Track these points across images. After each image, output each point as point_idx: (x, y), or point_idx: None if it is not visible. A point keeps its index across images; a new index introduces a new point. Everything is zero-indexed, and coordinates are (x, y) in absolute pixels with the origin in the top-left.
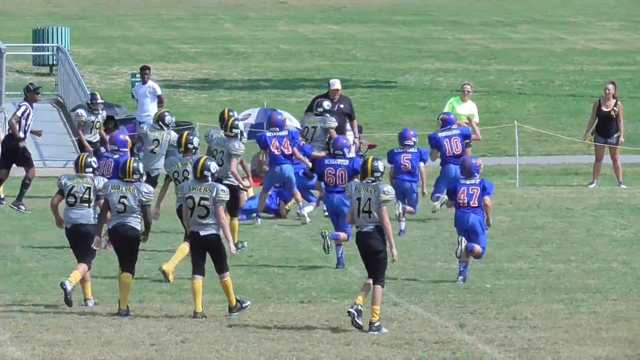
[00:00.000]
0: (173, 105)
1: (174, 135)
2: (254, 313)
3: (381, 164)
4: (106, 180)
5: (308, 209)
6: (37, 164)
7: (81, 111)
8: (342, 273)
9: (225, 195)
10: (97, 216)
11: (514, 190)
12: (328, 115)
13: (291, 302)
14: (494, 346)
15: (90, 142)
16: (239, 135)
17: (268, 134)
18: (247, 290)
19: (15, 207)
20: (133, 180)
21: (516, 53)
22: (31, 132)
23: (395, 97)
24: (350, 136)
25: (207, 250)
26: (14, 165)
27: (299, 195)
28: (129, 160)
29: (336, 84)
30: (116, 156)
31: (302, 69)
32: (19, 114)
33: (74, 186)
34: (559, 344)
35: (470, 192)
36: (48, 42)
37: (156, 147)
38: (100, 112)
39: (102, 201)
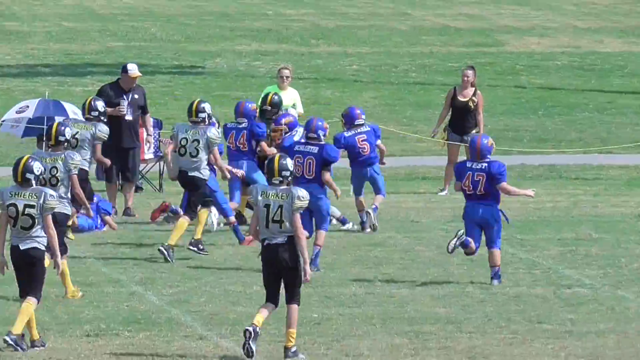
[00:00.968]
0: None
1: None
2: (29, 348)
3: (290, 162)
4: None
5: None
6: None
7: None
8: (138, 300)
9: (54, 202)
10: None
11: (347, 199)
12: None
13: (75, 336)
14: None
15: None
16: (207, 120)
17: (229, 124)
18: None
19: None
20: None
21: (351, 32)
22: None
23: (202, 86)
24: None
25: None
26: None
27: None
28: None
29: (135, 70)
30: None
31: (89, 51)
32: None
33: None
34: None
35: (476, 178)
36: None
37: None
38: None
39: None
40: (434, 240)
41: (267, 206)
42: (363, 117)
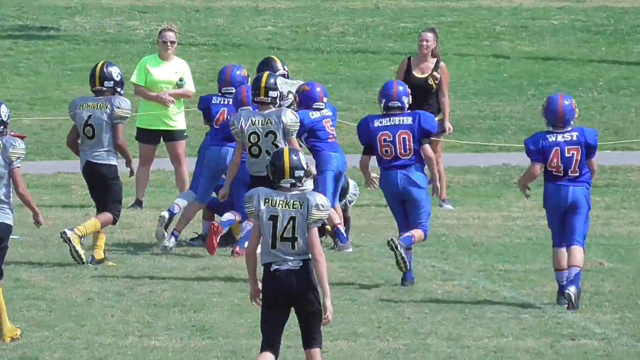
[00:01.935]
0: None
1: None
2: None
3: (303, 157)
4: None
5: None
6: None
7: None
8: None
9: None
10: None
11: None
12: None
13: None
14: None
15: None
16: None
17: (214, 100)
18: None
19: None
20: None
21: None
22: None
23: (56, 55)
24: None
25: None
26: None
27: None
28: None
29: None
30: None
31: None
32: None
33: None
34: None
35: (568, 154)
36: None
37: None
38: None
39: None
40: (380, 271)
41: (274, 218)
42: (325, 99)
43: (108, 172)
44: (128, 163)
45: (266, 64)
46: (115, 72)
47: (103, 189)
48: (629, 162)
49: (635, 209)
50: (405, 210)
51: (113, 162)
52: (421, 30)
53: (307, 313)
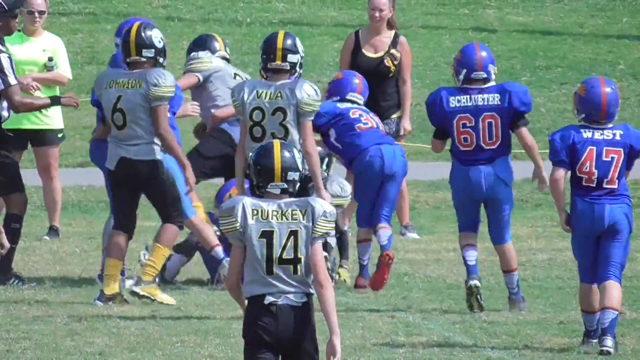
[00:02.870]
0: None
1: None
2: None
3: (297, 154)
4: None
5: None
6: None
7: None
8: None
9: None
10: None
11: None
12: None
13: None
14: None
15: None
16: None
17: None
18: None
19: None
20: None
21: None
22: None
23: None
24: None
25: None
26: None
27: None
28: None
29: None
30: None
31: None
32: None
33: None
34: None
35: (606, 157)
36: None
37: None
38: None
39: None
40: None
41: (268, 235)
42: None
43: (152, 170)
44: (181, 166)
45: (201, 45)
46: (156, 36)
47: (153, 192)
48: None
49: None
50: (478, 211)
51: (158, 156)
52: None
53: None
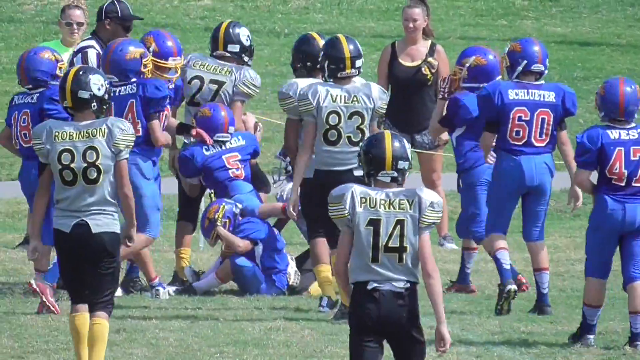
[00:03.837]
0: None
1: None
2: None
3: (407, 143)
4: None
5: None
6: None
7: None
8: None
9: None
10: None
11: None
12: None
13: None
14: None
15: None
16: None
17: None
18: None
19: None
20: None
21: None
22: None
23: None
24: None
25: None
26: None
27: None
28: None
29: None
30: None
31: None
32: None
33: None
34: None
35: (634, 157)
36: None
37: None
38: None
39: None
40: None
41: (375, 223)
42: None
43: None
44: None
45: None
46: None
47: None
48: None
49: None
50: (514, 208)
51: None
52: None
53: (406, 353)
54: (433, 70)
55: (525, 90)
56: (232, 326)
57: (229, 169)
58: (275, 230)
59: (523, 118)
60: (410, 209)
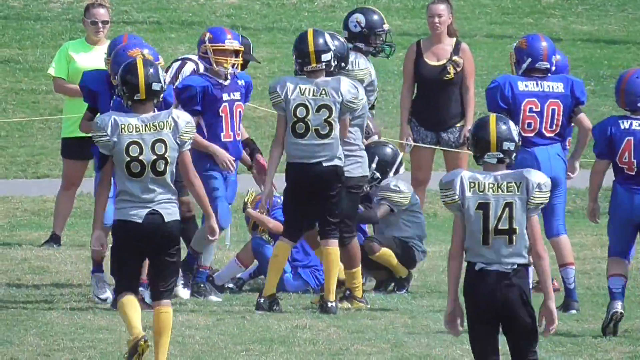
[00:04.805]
0: None
1: None
2: None
3: (513, 125)
4: None
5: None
6: None
7: None
8: None
9: None
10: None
11: None
12: None
13: None
14: None
15: None
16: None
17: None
18: None
19: None
20: None
21: None
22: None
23: None
24: None
25: None
26: None
27: None
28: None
29: None
30: None
31: None
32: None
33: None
34: None
35: None
36: None
37: None
38: None
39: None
40: (384, 332)
41: (484, 207)
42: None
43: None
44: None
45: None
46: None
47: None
48: None
49: None
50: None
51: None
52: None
53: (516, 332)
54: (458, 69)
55: (535, 82)
56: (258, 324)
57: None
58: None
59: (534, 109)
60: (518, 191)
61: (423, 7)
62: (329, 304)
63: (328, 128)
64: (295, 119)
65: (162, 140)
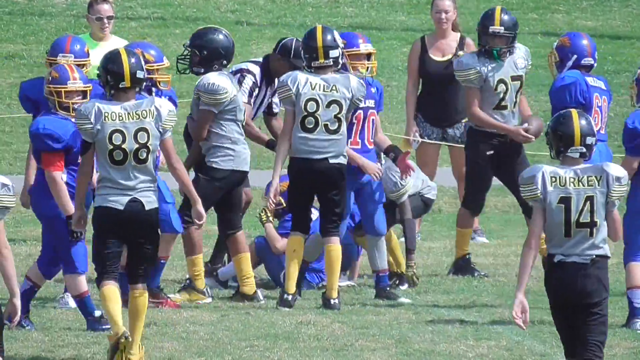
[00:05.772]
0: None
1: None
2: None
3: (592, 122)
4: None
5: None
6: None
7: None
8: None
9: None
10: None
11: None
12: None
13: None
14: None
15: None
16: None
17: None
18: None
19: None
20: None
21: None
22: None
23: None
24: None
25: None
26: None
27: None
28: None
29: None
30: None
31: None
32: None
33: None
34: None
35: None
36: None
37: None
38: None
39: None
40: (388, 328)
41: (566, 201)
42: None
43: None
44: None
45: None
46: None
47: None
48: None
49: None
50: None
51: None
52: None
53: (589, 318)
54: None
55: (592, 78)
56: (262, 320)
57: None
58: None
59: (599, 104)
60: (598, 185)
61: (427, 2)
62: (332, 301)
63: (337, 124)
64: (306, 113)
65: (144, 129)
